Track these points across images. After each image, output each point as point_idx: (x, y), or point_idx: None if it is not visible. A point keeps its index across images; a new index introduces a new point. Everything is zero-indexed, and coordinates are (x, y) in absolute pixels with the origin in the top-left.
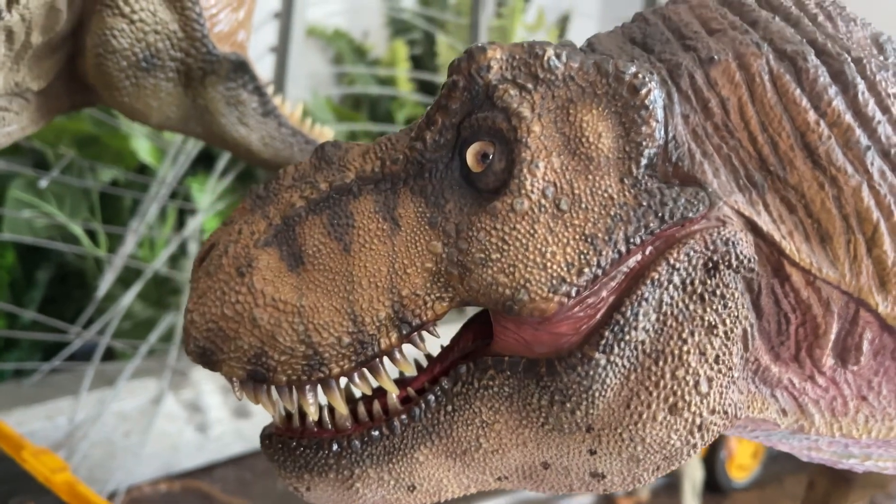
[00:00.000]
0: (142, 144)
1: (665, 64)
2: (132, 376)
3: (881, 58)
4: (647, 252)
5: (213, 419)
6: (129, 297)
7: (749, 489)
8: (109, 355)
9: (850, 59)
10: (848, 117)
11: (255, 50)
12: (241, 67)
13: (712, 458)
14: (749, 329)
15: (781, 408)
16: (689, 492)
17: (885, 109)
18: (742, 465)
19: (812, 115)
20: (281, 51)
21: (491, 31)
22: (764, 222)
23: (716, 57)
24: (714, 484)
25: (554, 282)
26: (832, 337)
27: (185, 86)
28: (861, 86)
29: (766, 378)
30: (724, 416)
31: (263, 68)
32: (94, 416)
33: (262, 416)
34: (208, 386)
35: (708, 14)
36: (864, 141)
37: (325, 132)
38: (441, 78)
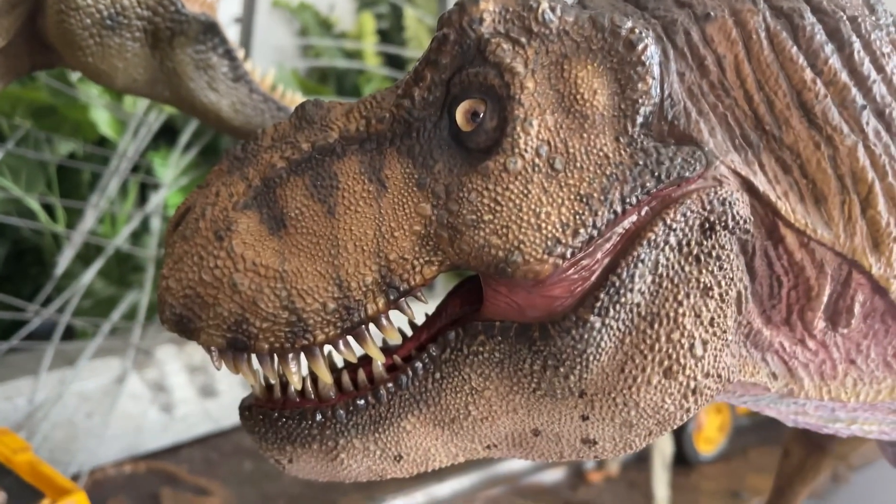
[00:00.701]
0: (101, 116)
1: (660, 20)
2: (94, 355)
3: (873, 18)
4: (643, 212)
5: (179, 399)
6: (89, 275)
7: (715, 462)
8: (70, 334)
9: (845, 17)
10: (844, 76)
11: (221, 20)
12: (210, 29)
13: (680, 432)
14: (743, 291)
15: (772, 371)
16: (660, 465)
17: (880, 69)
18: (709, 439)
19: (808, 74)
20: (246, 21)
21: None
22: (760, 182)
23: (712, 13)
24: (682, 457)
25: (549, 243)
26: (824, 299)
27: (152, 46)
28: (857, 44)
29: (757, 342)
30: (718, 379)
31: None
32: (54, 396)
33: (229, 395)
34: (173, 365)
35: None
36: (860, 100)
37: (298, 100)
38: (409, 52)
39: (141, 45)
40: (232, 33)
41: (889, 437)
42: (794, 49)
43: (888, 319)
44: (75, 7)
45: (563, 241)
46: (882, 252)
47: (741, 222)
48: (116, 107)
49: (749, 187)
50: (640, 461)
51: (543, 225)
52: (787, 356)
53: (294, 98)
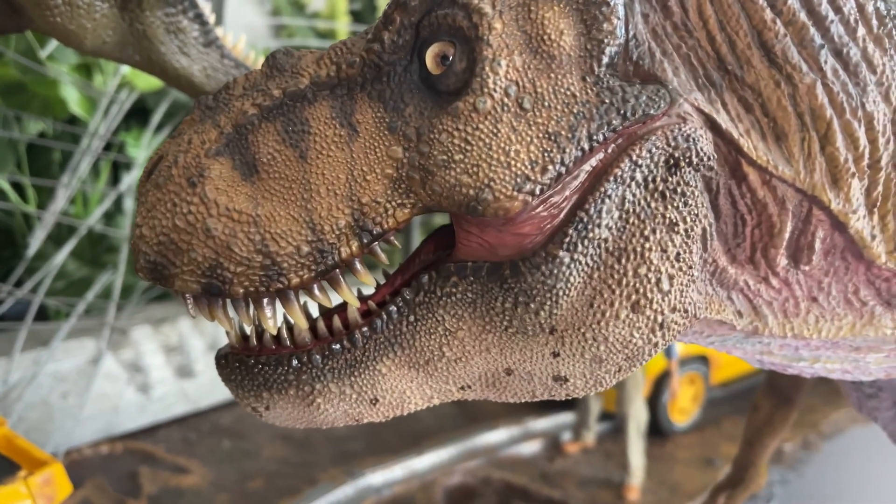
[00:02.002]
0: (71, 94)
1: None
2: (68, 336)
3: None
4: (610, 150)
5: (156, 379)
6: (62, 255)
7: (689, 432)
8: (43, 315)
9: None
10: (802, 16)
11: None
12: None
13: (655, 402)
14: (708, 228)
15: (737, 309)
16: (635, 434)
17: (838, 10)
18: (683, 409)
19: (768, 14)
20: (217, 0)
21: None
22: (723, 120)
23: None
24: (657, 427)
25: (518, 180)
26: (786, 235)
27: (121, 8)
28: None
29: (722, 280)
30: (685, 314)
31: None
32: (28, 377)
33: (206, 375)
34: (149, 346)
35: None
36: (818, 39)
37: None
38: None
39: (110, 5)
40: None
41: (851, 375)
42: None
43: (848, 256)
44: None
45: (532, 177)
46: (840, 188)
47: (705, 159)
48: (87, 84)
49: (712, 125)
50: (616, 432)
51: (513, 162)
52: (751, 294)
53: None
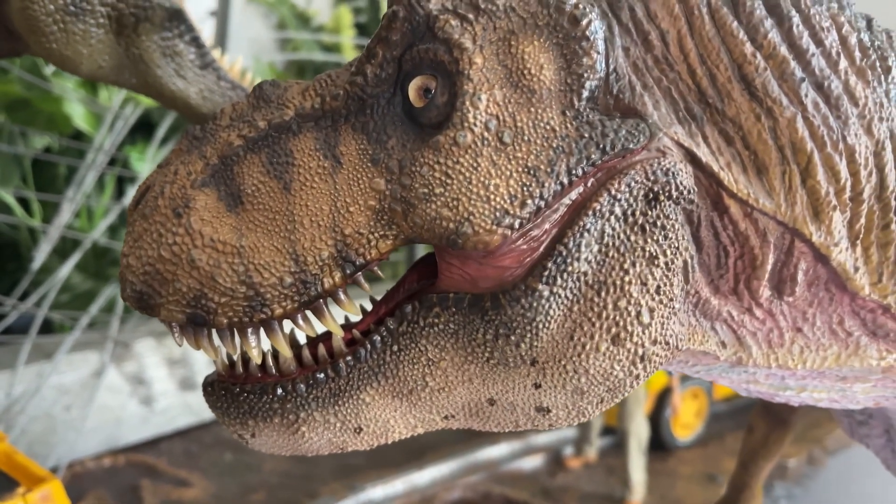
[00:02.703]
0: (76, 109)
1: None
2: (72, 349)
3: None
4: (590, 184)
5: (158, 392)
6: (66, 269)
7: (692, 447)
8: (47, 328)
9: None
10: (783, 49)
11: (196, 14)
12: (176, 16)
13: (657, 418)
14: (689, 261)
15: (721, 340)
16: (636, 450)
17: (819, 42)
18: (686, 424)
19: (749, 48)
20: (221, 15)
21: None
22: (703, 153)
23: None
24: (659, 442)
25: (497, 214)
26: (769, 267)
27: (116, 33)
28: (796, 19)
29: (706, 311)
30: (666, 346)
31: (203, 32)
32: (32, 390)
33: None
34: (152, 358)
35: None
36: (799, 73)
37: None
38: None
39: (105, 31)
40: (208, 27)
41: (839, 404)
42: (735, 24)
43: (831, 287)
44: None
45: (512, 211)
46: (822, 220)
47: (685, 192)
48: (92, 100)
49: (692, 158)
50: (618, 448)
51: (492, 196)
52: (735, 325)
53: None
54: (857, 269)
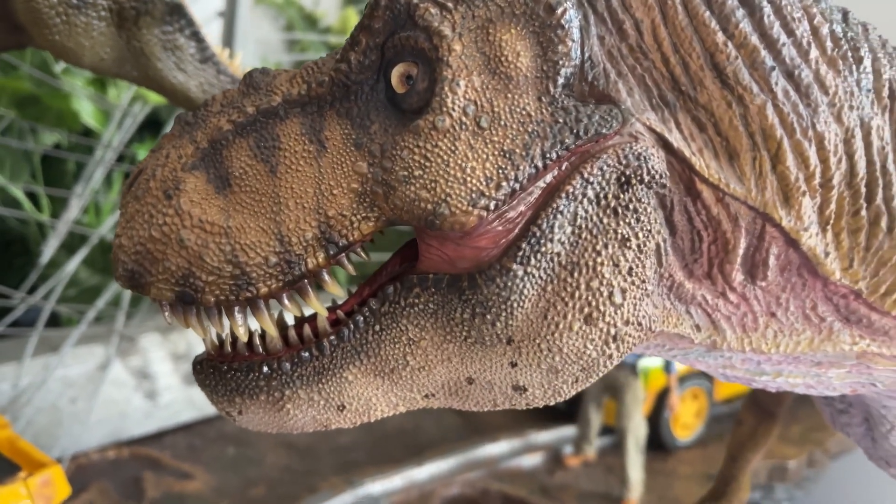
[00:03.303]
0: (85, 106)
1: None
2: (78, 342)
3: None
4: (564, 167)
5: (163, 386)
6: (74, 263)
7: (692, 447)
8: (55, 322)
9: None
10: (754, 39)
11: (203, 14)
12: (176, 10)
13: (657, 418)
14: (662, 244)
15: (695, 323)
16: (633, 448)
17: (790, 32)
18: (686, 425)
19: (720, 37)
20: (229, 15)
21: None
22: (675, 139)
23: None
24: (659, 442)
25: (473, 195)
26: (741, 252)
27: (118, 26)
28: (767, 9)
29: (680, 294)
30: (639, 327)
31: (211, 33)
32: (38, 382)
33: None
34: (158, 353)
35: None
36: (769, 62)
37: None
38: None
39: (107, 24)
40: (215, 27)
41: (815, 390)
42: (707, 13)
43: (804, 273)
44: None
45: (487, 193)
46: (792, 205)
47: (656, 176)
48: (101, 97)
49: (664, 144)
50: (618, 447)
51: (469, 179)
52: (709, 308)
53: None
54: (827, 254)
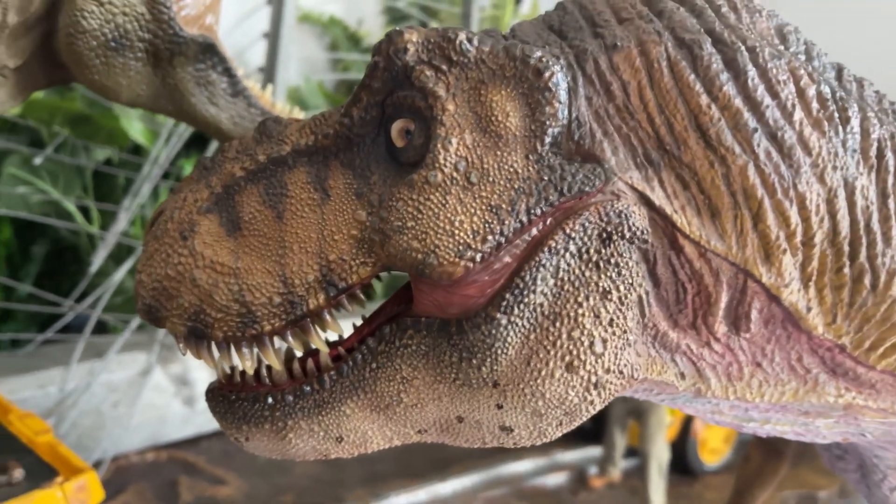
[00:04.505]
0: (134, 125)
1: (574, 49)
2: (122, 349)
3: (781, 47)
4: (548, 222)
5: (200, 393)
6: (120, 273)
7: (720, 472)
8: (101, 328)
9: (743, 48)
10: (738, 101)
11: (249, 35)
12: (209, 49)
13: (683, 442)
14: (644, 296)
15: (680, 371)
16: (655, 472)
17: (775, 94)
18: (714, 450)
19: (704, 99)
20: (273, 36)
21: (483, 21)
22: (657, 197)
23: (619, 44)
24: (686, 467)
25: (460, 248)
26: (723, 305)
27: (153, 66)
28: (752, 72)
29: (665, 343)
30: (620, 375)
31: (256, 53)
32: (83, 386)
33: None
34: (196, 361)
35: (620, 4)
36: (752, 123)
37: (296, 113)
38: None
39: (143, 63)
40: (260, 48)
41: (804, 437)
42: (693, 77)
43: (788, 326)
44: (83, 31)
45: (474, 246)
46: (773, 263)
47: (637, 233)
48: (148, 117)
49: (647, 201)
50: (641, 469)
51: (457, 232)
52: (695, 357)
53: (294, 112)
54: (809, 310)
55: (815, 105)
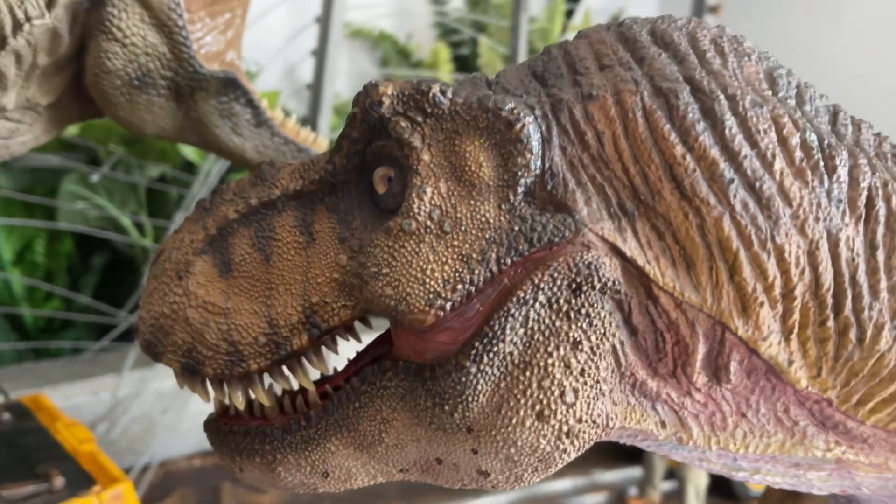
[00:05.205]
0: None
1: (550, 98)
2: None
3: (769, 92)
4: (518, 272)
5: None
6: None
7: None
8: None
9: (722, 97)
10: (714, 151)
11: (299, 53)
12: (231, 84)
13: None
14: (619, 345)
15: (661, 420)
16: (693, 497)
17: (754, 144)
18: None
19: (680, 149)
20: (320, 54)
21: (532, 33)
22: (629, 248)
23: (594, 93)
24: (730, 492)
25: (430, 296)
26: (699, 356)
27: (176, 101)
28: (730, 122)
29: (644, 391)
30: (594, 424)
31: (306, 70)
32: (134, 393)
33: None
34: None
35: (603, 50)
36: (729, 174)
37: (320, 141)
38: None
39: (166, 99)
40: (308, 65)
41: (795, 487)
42: (668, 126)
43: (772, 377)
44: (107, 70)
45: (444, 295)
46: (749, 315)
47: (608, 283)
48: None
49: (619, 252)
50: (681, 494)
51: (427, 280)
52: (676, 406)
53: (317, 139)
54: (791, 363)
55: (798, 154)
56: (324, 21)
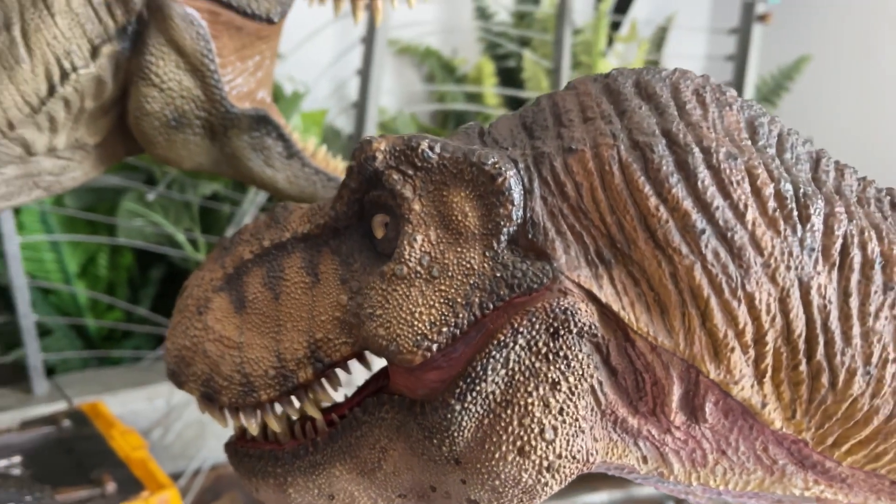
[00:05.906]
0: None
1: (534, 151)
2: None
3: (748, 142)
4: (500, 316)
5: None
6: None
7: None
8: None
9: (697, 150)
10: (687, 203)
11: (345, 71)
12: (262, 120)
13: None
14: (598, 385)
15: (643, 455)
16: None
17: (727, 195)
18: None
19: (653, 201)
20: (364, 73)
21: (576, 45)
22: (604, 294)
23: (574, 146)
24: None
25: (418, 338)
26: (675, 397)
27: (210, 138)
28: (703, 174)
29: (626, 428)
30: (574, 460)
31: (352, 89)
32: (187, 399)
33: None
34: None
35: (587, 102)
36: (701, 224)
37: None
38: (525, 93)
39: (201, 137)
40: (354, 85)
41: None
42: (643, 179)
43: (748, 418)
44: (146, 113)
45: (430, 337)
46: (721, 360)
47: (585, 328)
48: None
49: (595, 298)
50: None
51: (416, 322)
52: (657, 443)
53: (343, 167)
54: (764, 405)
55: (771, 204)
56: (368, 41)
